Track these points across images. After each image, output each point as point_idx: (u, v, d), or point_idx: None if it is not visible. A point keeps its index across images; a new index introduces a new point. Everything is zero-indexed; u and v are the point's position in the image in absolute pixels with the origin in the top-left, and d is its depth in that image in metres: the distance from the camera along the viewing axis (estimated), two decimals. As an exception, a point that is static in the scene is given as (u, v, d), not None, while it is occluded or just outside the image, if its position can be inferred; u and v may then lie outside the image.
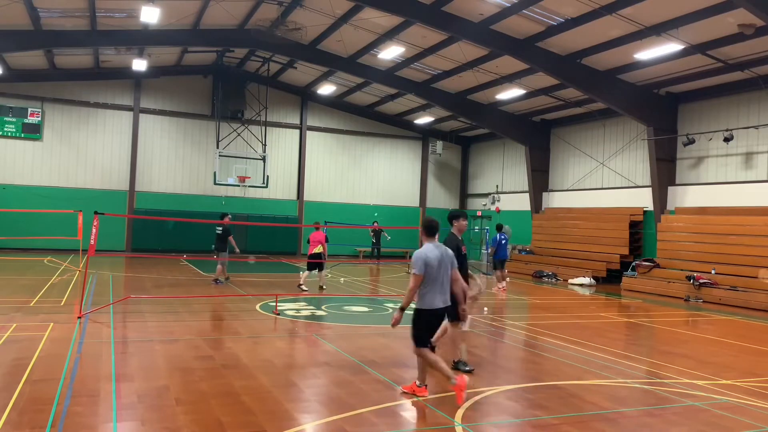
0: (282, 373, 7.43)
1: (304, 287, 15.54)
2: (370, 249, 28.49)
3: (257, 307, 12.66)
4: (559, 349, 9.49)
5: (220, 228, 16.99)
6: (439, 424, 5.76)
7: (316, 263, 16.10)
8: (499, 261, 18.57)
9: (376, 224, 26.90)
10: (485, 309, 13.91)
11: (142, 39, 22.07)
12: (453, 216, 7.79)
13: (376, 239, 27.35)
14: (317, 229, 16.42)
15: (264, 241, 28.31)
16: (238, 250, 17.43)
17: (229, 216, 17.72)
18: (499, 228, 19.08)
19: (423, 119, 30.86)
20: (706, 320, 14.01)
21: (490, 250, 19.89)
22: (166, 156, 28.65)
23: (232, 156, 27.82)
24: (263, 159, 27.82)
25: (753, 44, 16.32)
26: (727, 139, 19.15)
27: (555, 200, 27.07)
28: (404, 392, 6.62)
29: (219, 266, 17.03)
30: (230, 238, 16.84)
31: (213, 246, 17.26)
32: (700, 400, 6.89)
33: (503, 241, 18.68)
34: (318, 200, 31.04)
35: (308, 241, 16.50)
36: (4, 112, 25.96)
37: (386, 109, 30.98)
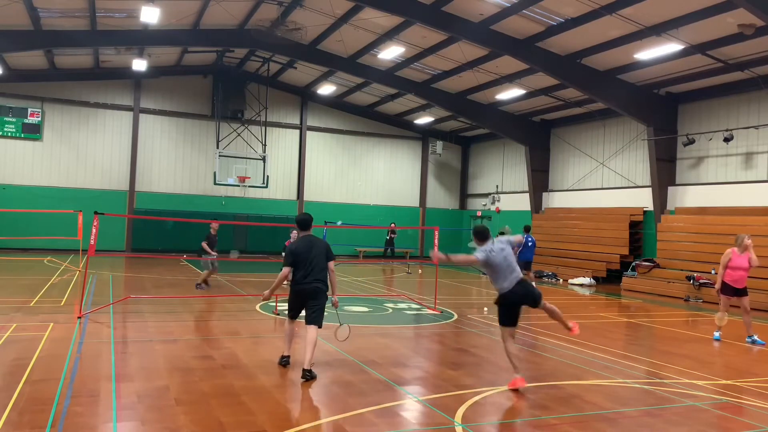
0: (282, 373, 7.43)
1: None
2: (382, 249, 28.11)
3: (257, 307, 12.66)
4: (559, 349, 9.49)
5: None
6: (439, 424, 5.76)
7: None
8: (523, 263, 18.40)
9: (393, 225, 27.11)
10: (485, 309, 13.91)
11: (142, 39, 22.07)
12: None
13: (390, 240, 27.42)
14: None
15: (264, 241, 28.32)
16: None
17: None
18: (527, 230, 18.86)
19: (423, 119, 30.87)
20: (706, 320, 14.00)
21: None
22: (166, 156, 28.65)
23: (232, 156, 27.82)
24: (263, 159, 27.82)
25: (753, 44, 16.32)
26: (727, 139, 19.15)
27: (555, 200, 27.07)
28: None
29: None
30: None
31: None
32: (700, 400, 6.89)
33: (529, 243, 18.46)
34: (318, 200, 31.04)
35: None
36: (4, 112, 25.96)
37: (386, 109, 30.98)
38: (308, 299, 7.44)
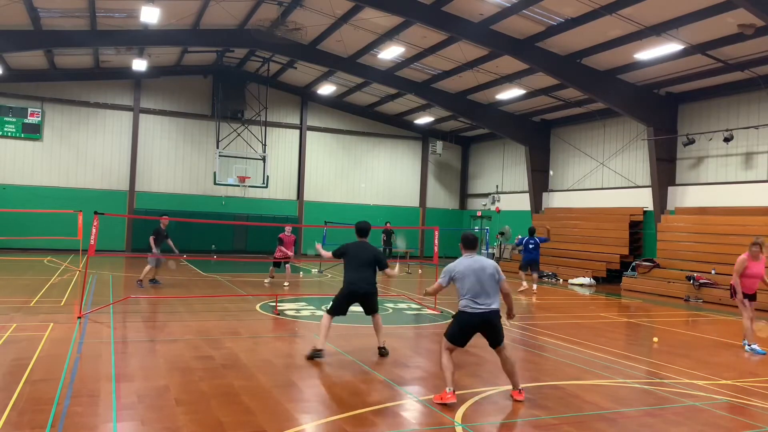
0: (282, 373, 7.43)
1: None
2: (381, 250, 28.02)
3: (257, 307, 12.66)
4: (559, 349, 9.49)
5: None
6: (439, 424, 5.76)
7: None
8: (527, 262, 18.34)
9: (388, 224, 26.87)
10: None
11: (142, 39, 22.07)
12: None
13: (387, 240, 27.21)
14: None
15: (264, 241, 28.26)
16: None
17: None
18: (531, 232, 18.75)
19: (423, 119, 30.87)
20: (706, 320, 14.00)
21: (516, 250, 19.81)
22: (166, 156, 28.65)
23: (232, 156, 27.84)
24: (263, 159, 27.83)
25: (753, 44, 16.32)
26: (727, 139, 19.15)
27: (555, 200, 27.07)
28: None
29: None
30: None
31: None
32: (700, 400, 6.89)
33: (530, 245, 18.42)
34: (318, 200, 31.04)
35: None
36: (4, 112, 25.97)
37: (386, 109, 30.98)
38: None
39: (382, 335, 8.59)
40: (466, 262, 6.68)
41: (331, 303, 8.42)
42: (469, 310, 6.52)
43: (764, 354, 9.70)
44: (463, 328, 6.62)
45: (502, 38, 18.95)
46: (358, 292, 8.29)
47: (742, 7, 13.85)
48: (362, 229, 8.64)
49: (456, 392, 6.39)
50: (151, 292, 14.79)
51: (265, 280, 17.28)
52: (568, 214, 25.71)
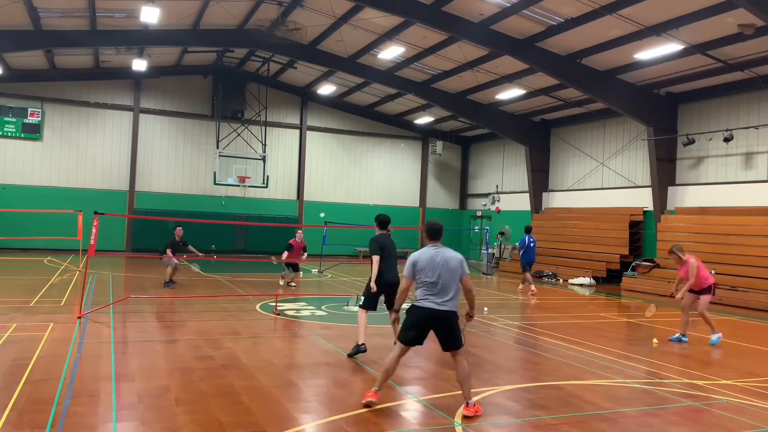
0: (282, 373, 7.43)
1: None
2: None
3: (257, 307, 12.66)
4: (559, 349, 9.49)
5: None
6: (439, 424, 5.76)
7: None
8: (527, 263, 18.14)
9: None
10: (485, 309, 13.89)
11: (142, 39, 22.07)
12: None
13: None
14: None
15: (264, 241, 28.32)
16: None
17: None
18: (528, 230, 18.72)
19: (423, 119, 30.87)
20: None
21: (518, 252, 19.54)
22: (166, 156, 28.65)
23: (232, 156, 27.85)
24: (263, 159, 27.83)
25: (753, 44, 16.32)
26: (727, 139, 19.15)
27: (555, 200, 27.06)
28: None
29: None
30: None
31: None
32: (700, 400, 6.89)
33: (531, 244, 18.33)
34: (318, 200, 31.03)
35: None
36: (4, 112, 25.97)
37: (386, 109, 30.98)
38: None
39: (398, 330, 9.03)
40: (429, 252, 6.18)
41: (364, 299, 8.62)
42: (419, 304, 6.09)
43: (676, 339, 10.67)
44: (412, 324, 6.13)
45: (502, 38, 18.95)
46: (392, 283, 8.48)
47: (742, 7, 13.85)
48: (386, 222, 8.93)
49: (379, 391, 6.13)
50: (151, 292, 14.80)
51: (280, 281, 17.21)
52: (568, 214, 25.71)
